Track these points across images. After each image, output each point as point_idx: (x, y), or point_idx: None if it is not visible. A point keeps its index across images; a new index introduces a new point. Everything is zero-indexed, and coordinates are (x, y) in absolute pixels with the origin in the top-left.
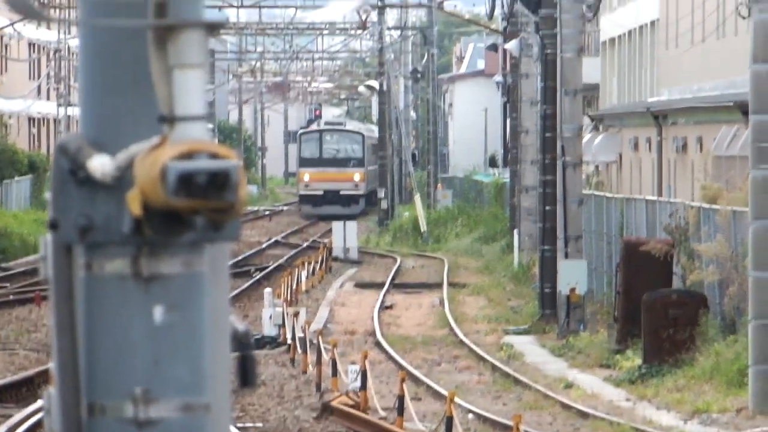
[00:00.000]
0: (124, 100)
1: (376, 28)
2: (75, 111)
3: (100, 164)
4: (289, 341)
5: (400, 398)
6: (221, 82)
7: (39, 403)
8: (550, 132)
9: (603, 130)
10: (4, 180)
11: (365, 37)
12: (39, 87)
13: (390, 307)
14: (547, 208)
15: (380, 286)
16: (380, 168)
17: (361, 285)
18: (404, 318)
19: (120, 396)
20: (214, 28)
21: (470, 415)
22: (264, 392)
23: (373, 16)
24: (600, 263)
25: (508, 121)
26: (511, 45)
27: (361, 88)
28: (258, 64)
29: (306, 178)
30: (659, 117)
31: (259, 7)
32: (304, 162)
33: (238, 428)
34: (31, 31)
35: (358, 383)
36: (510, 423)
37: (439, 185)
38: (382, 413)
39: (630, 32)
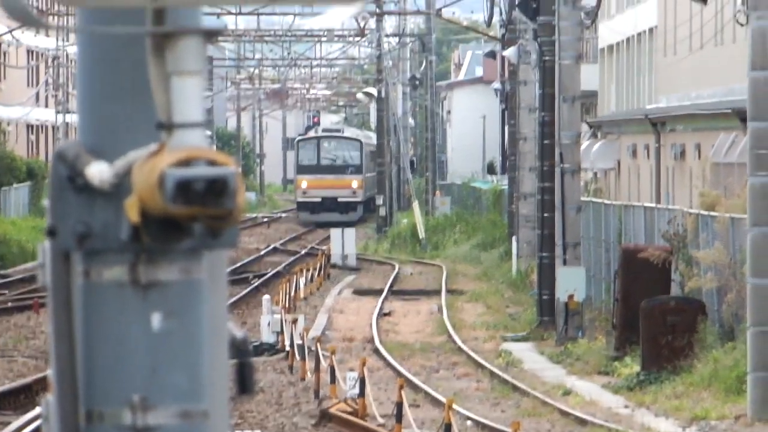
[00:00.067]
0: (122, 107)
1: (374, 35)
2: (73, 118)
3: (98, 171)
4: (287, 348)
5: (399, 405)
6: (219, 89)
7: (37, 410)
8: (548, 139)
9: (601, 137)
10: (2, 187)
11: (363, 44)
12: (37, 94)
13: (388, 314)
14: (546, 215)
15: (378, 293)
16: (378, 175)
17: (360, 292)
18: (402, 325)
19: (118, 403)
20: (212, 35)
21: (469, 422)
22: (262, 399)
23: (372, 23)
24: (598, 270)
25: (506, 128)
26: (510, 52)
27: (360, 95)
28: (256, 71)
29: (303, 185)
30: (657, 124)
31: (258, 15)
32: (301, 169)
33: None
34: (29, 38)
35: (356, 390)
36: (508, 430)
37: (437, 192)
38: (381, 420)
39: (628, 39)
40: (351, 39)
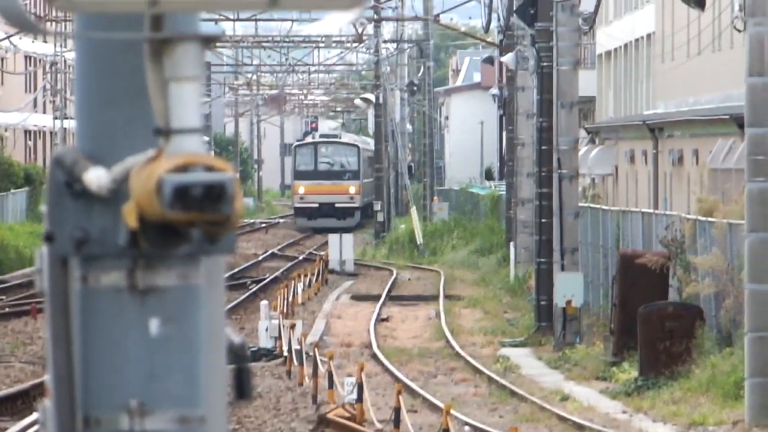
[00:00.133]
0: (120, 113)
1: (372, 41)
2: (71, 124)
3: (96, 177)
4: (285, 353)
5: (397, 410)
6: (217, 95)
7: (35, 415)
8: (546, 145)
9: (599, 142)
10: (0, 192)
11: (361, 50)
12: (35, 100)
13: (386, 320)
14: (543, 220)
15: (376, 298)
16: (376, 180)
17: (358, 297)
18: (400, 330)
19: (115, 408)
20: (210, 41)
21: (466, 428)
22: (260, 404)
23: (370, 29)
24: (596, 276)
25: (504, 133)
26: (507, 58)
27: (358, 101)
28: (254, 76)
29: (301, 190)
30: (655, 130)
31: (255, 20)
32: (299, 174)
33: None
34: (27, 44)
35: (354, 395)
36: None
37: (435, 198)
38: (379, 425)
39: (626, 45)
40: (349, 45)
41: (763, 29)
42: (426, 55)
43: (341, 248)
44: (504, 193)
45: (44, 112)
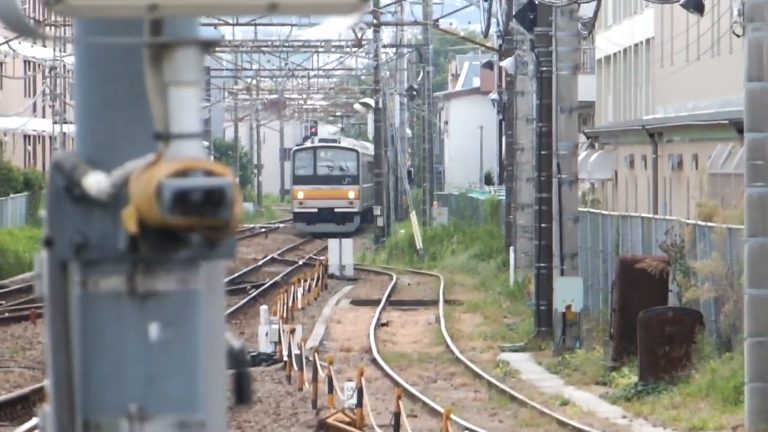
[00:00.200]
0: (119, 118)
1: (371, 46)
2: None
3: (96, 182)
4: (285, 358)
5: (396, 415)
6: (217, 100)
7: (34, 420)
8: (545, 149)
9: (599, 147)
10: None
11: (361, 55)
12: (34, 104)
13: (386, 325)
14: (543, 225)
15: (376, 303)
16: (376, 185)
17: (357, 302)
18: (400, 335)
19: (115, 413)
20: (209, 46)
21: None
22: (260, 409)
23: (369, 33)
24: (596, 280)
25: (503, 138)
26: (507, 63)
27: (357, 106)
28: (253, 81)
29: (300, 195)
30: (655, 135)
31: (255, 25)
32: (298, 179)
33: None
34: (26, 48)
35: (354, 400)
36: None
37: (434, 202)
38: (379, 430)
39: (625, 50)
40: (348, 49)
41: (761, 34)
42: (425, 59)
43: (341, 253)
44: (503, 197)
45: (44, 117)
